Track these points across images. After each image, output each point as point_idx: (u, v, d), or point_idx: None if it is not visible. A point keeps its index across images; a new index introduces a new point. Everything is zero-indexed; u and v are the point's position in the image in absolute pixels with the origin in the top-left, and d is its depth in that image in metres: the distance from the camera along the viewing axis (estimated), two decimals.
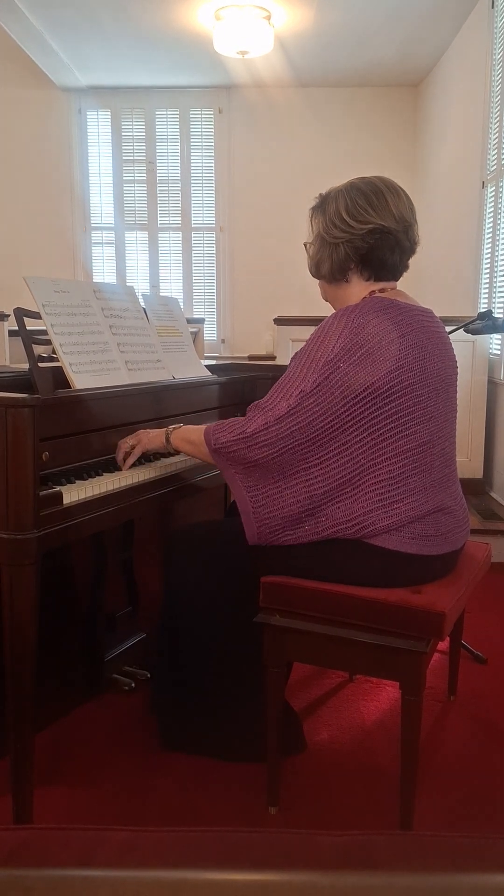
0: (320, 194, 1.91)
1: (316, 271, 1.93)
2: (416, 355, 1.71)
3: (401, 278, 1.92)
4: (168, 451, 2.09)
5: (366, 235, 1.80)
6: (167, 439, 2.01)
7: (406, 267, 1.90)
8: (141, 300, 2.45)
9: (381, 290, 1.85)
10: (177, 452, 2.06)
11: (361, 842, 0.78)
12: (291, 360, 1.76)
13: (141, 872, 0.71)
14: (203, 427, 1.86)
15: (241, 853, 0.75)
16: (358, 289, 1.88)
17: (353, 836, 0.79)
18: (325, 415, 1.67)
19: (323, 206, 1.88)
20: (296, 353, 1.76)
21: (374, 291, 1.85)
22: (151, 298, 2.59)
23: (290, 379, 1.72)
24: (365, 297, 1.83)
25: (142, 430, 2.07)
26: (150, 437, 2.04)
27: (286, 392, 1.71)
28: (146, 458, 2.11)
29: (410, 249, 1.87)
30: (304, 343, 1.76)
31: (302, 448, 1.70)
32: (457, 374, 1.91)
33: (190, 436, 1.96)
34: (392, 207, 1.80)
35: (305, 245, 1.95)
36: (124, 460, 2.02)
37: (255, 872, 0.72)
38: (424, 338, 1.75)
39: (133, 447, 2.04)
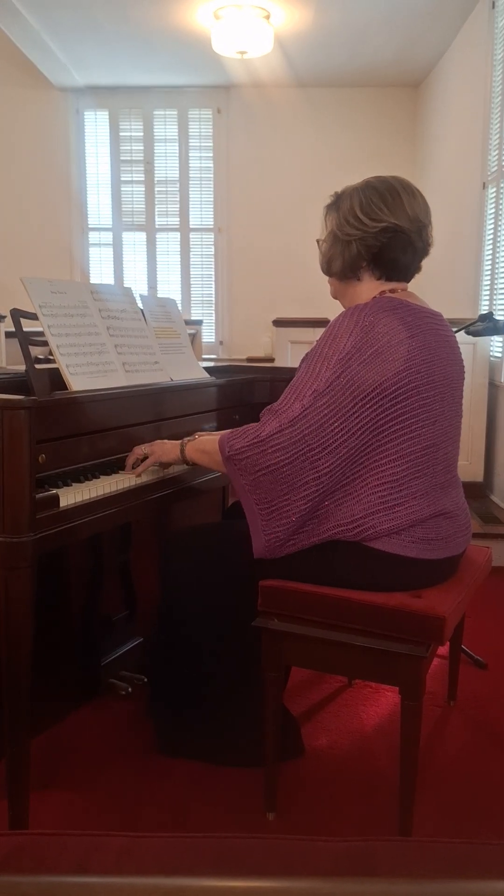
0: (336, 192, 1.90)
1: (327, 268, 1.92)
2: (424, 357, 1.70)
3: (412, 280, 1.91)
4: (184, 463, 2.01)
5: (378, 234, 1.79)
6: (182, 451, 1.97)
7: (418, 268, 1.90)
8: (139, 301, 2.44)
9: (392, 291, 1.84)
10: (191, 464, 2.00)
11: (361, 848, 0.77)
12: (302, 362, 1.74)
13: (138, 879, 0.70)
14: (217, 436, 1.82)
15: (239, 860, 0.74)
16: (368, 288, 1.87)
17: (352, 843, 0.78)
18: (336, 416, 1.65)
19: (337, 203, 1.87)
20: (306, 355, 1.74)
21: (384, 291, 1.84)
22: (149, 300, 2.57)
23: (302, 379, 1.70)
24: (375, 297, 1.81)
25: (158, 441, 2.04)
26: (165, 450, 2.00)
27: (299, 393, 1.68)
28: None
29: (423, 250, 1.86)
30: (313, 344, 1.74)
31: (313, 454, 1.66)
32: (464, 378, 1.89)
33: (205, 446, 1.92)
34: (407, 207, 1.79)
35: (318, 242, 1.94)
36: (134, 466, 2.00)
37: (253, 879, 0.71)
38: (433, 340, 1.74)
39: (147, 456, 2.01)
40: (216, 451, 1.78)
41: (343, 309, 1.79)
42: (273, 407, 1.72)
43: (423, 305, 1.83)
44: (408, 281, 1.89)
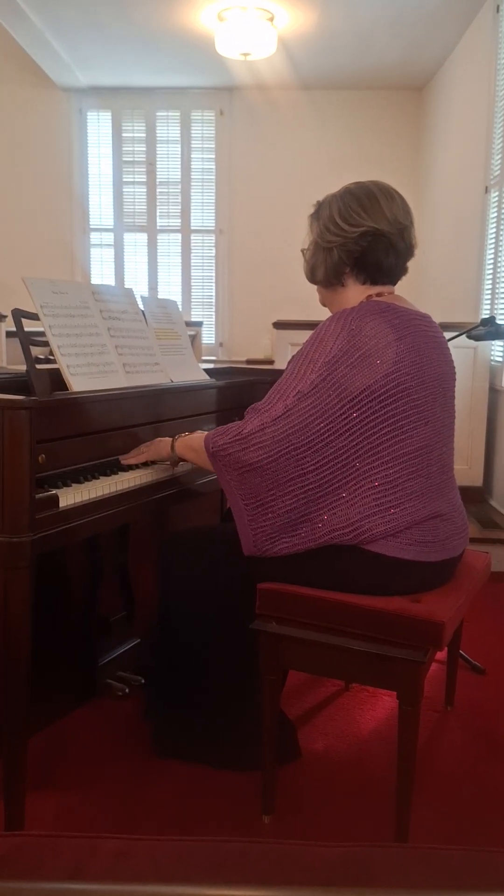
0: (318, 201, 1.92)
1: (311, 276, 1.95)
2: (413, 359, 1.71)
3: (400, 283, 1.91)
4: (174, 460, 2.06)
5: (358, 238, 1.81)
6: (172, 447, 2.01)
7: (404, 270, 1.90)
8: (139, 302, 2.43)
9: (379, 295, 1.85)
10: (184, 461, 2.04)
11: (357, 855, 0.77)
12: (289, 363, 1.76)
13: (133, 887, 0.70)
14: (205, 433, 1.85)
15: (235, 865, 0.74)
16: (355, 293, 1.88)
17: (349, 848, 0.77)
18: (322, 417, 1.66)
19: (318, 212, 1.90)
20: (293, 356, 1.76)
21: (371, 296, 1.85)
22: (150, 301, 2.57)
23: (287, 380, 1.72)
24: (362, 301, 1.82)
25: (157, 439, 2.09)
26: (159, 447, 2.05)
27: (283, 393, 1.70)
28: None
29: (406, 251, 1.86)
30: (302, 346, 1.75)
31: (297, 452, 1.68)
32: (455, 379, 1.90)
33: (193, 443, 1.96)
34: (385, 210, 1.81)
35: (303, 251, 1.96)
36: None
37: (249, 887, 0.71)
38: (422, 341, 1.75)
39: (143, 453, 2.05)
40: (202, 448, 1.80)
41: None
42: (257, 405, 1.75)
43: (411, 308, 1.84)
44: (394, 284, 1.91)
